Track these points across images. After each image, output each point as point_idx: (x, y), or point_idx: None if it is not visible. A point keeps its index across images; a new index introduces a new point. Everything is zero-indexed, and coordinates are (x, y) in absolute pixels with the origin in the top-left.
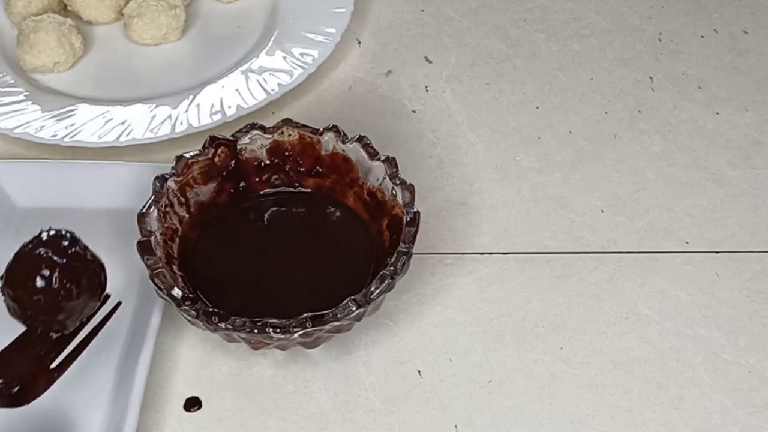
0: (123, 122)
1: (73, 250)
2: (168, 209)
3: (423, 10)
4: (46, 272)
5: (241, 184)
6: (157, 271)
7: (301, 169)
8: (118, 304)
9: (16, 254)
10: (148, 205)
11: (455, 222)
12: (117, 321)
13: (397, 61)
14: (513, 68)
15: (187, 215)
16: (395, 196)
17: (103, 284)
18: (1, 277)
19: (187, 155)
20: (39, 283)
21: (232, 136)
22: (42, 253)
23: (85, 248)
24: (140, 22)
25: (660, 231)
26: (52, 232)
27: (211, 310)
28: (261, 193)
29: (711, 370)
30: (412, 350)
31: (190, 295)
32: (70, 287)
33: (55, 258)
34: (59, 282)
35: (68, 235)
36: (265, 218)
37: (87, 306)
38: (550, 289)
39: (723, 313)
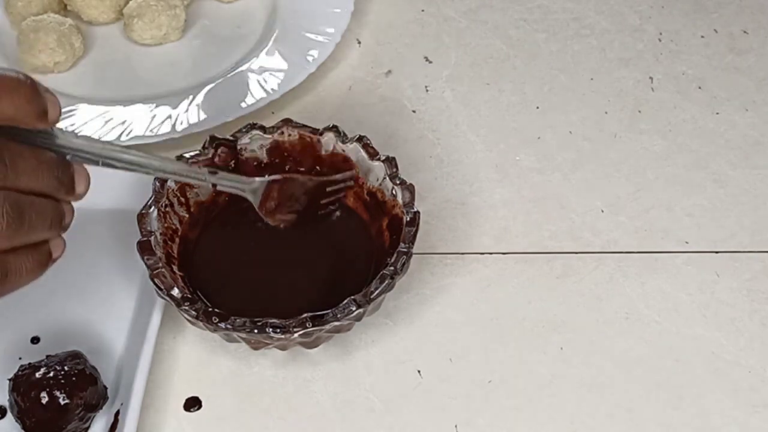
0: (123, 122)
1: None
2: (168, 209)
3: (423, 10)
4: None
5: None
6: (157, 271)
7: (301, 169)
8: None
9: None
10: (148, 205)
11: (455, 222)
12: (117, 321)
13: (397, 61)
14: (513, 68)
15: (187, 215)
16: (395, 196)
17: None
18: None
19: (187, 155)
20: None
21: (232, 136)
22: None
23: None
24: (140, 22)
25: (660, 231)
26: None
27: (211, 310)
28: None
29: (711, 370)
30: (412, 350)
31: (190, 296)
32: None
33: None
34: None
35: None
36: None
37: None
38: (550, 289)
39: (723, 313)
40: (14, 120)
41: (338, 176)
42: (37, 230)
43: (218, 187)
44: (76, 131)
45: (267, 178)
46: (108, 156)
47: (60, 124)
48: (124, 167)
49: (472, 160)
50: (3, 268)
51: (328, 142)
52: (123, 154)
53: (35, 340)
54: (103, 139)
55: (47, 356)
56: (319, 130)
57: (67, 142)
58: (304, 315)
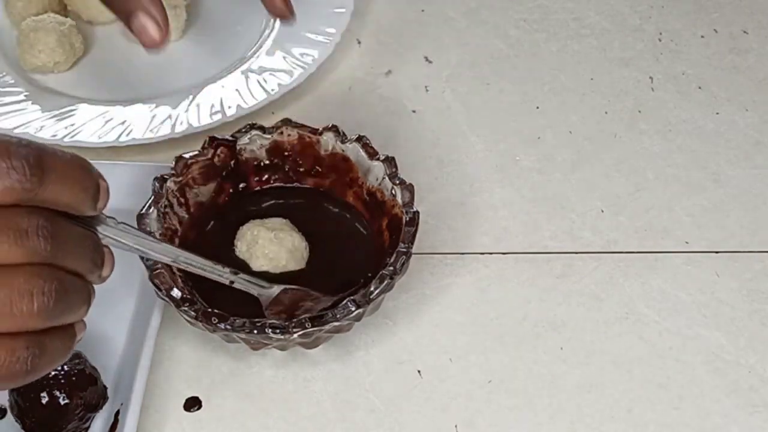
0: (123, 122)
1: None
2: (167, 210)
3: (423, 10)
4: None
5: (241, 185)
6: (157, 271)
7: (301, 169)
8: None
9: None
10: (147, 205)
11: (455, 222)
12: (117, 321)
13: (397, 61)
14: (513, 68)
15: (186, 215)
16: (395, 195)
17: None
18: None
19: (186, 155)
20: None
21: (232, 136)
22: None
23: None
24: None
25: (660, 231)
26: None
27: (210, 310)
28: (260, 192)
29: (711, 370)
30: (412, 350)
31: (189, 296)
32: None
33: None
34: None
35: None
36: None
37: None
38: (550, 289)
39: (723, 313)
40: (68, 208)
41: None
42: (73, 311)
43: (234, 284)
44: (116, 219)
45: (280, 286)
46: (141, 248)
47: (60, 124)
48: (154, 257)
49: (472, 160)
50: (40, 348)
51: (328, 141)
52: (155, 244)
53: None
54: (102, 139)
55: None
56: (318, 130)
57: (107, 230)
58: (304, 315)
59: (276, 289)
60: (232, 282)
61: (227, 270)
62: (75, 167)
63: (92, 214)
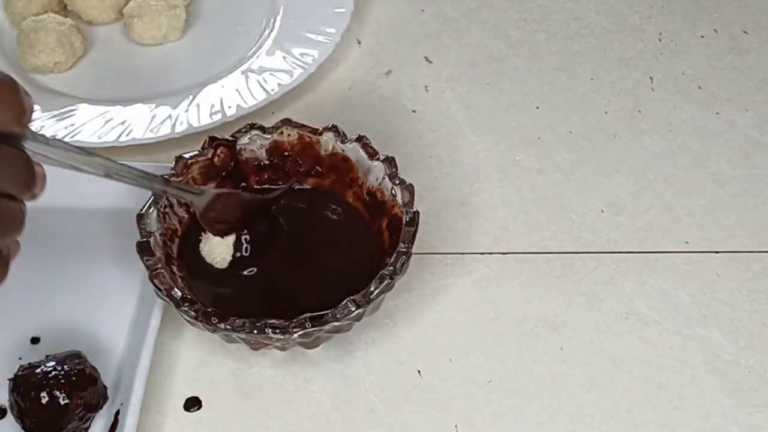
0: (123, 122)
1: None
2: (167, 210)
3: (423, 10)
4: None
5: (241, 185)
6: (157, 271)
7: (301, 169)
8: None
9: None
10: (147, 205)
11: (455, 222)
12: (117, 321)
13: (397, 61)
14: (513, 68)
15: (186, 215)
16: (395, 195)
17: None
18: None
19: (186, 155)
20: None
21: (232, 136)
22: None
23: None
24: (140, 22)
25: (660, 231)
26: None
27: (210, 310)
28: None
29: (711, 370)
30: (412, 350)
31: (189, 296)
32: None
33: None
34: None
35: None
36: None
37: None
38: (550, 289)
39: (723, 313)
40: None
41: (278, 192)
42: (7, 236)
43: (168, 195)
44: (44, 133)
45: (213, 190)
46: (71, 162)
47: (60, 124)
48: (90, 172)
49: (472, 160)
50: None
51: (328, 142)
52: (85, 157)
53: (35, 340)
54: (102, 139)
55: (47, 356)
56: (318, 130)
57: (35, 146)
58: (304, 315)
59: (208, 195)
60: (165, 191)
61: (158, 178)
62: (2, 88)
63: (18, 131)
